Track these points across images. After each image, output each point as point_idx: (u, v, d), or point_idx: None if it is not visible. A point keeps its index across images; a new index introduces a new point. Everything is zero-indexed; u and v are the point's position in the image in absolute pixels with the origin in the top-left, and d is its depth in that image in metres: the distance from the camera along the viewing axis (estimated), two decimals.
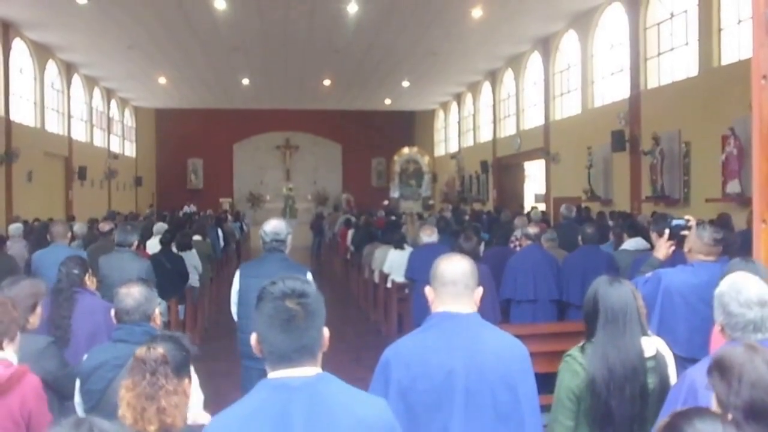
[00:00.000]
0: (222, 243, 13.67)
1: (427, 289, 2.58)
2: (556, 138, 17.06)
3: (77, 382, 2.92)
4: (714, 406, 1.84)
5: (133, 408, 2.02)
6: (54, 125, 18.90)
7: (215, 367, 6.88)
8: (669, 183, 11.59)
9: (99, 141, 23.22)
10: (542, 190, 18.79)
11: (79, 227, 8.97)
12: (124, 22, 14.70)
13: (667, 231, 4.33)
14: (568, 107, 16.93)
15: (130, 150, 27.56)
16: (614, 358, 2.67)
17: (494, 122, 21.95)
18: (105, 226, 8.73)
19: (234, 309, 4.63)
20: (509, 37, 16.95)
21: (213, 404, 2.87)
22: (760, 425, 1.77)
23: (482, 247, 8.06)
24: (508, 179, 21.33)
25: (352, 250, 13.51)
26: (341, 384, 1.83)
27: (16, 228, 8.95)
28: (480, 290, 2.54)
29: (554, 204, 16.29)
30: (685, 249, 4.15)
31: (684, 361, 3.31)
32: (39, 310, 3.36)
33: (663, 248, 4.32)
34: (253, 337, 1.86)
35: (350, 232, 14.29)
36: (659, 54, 12.79)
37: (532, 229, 6.82)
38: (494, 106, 21.94)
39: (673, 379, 2.72)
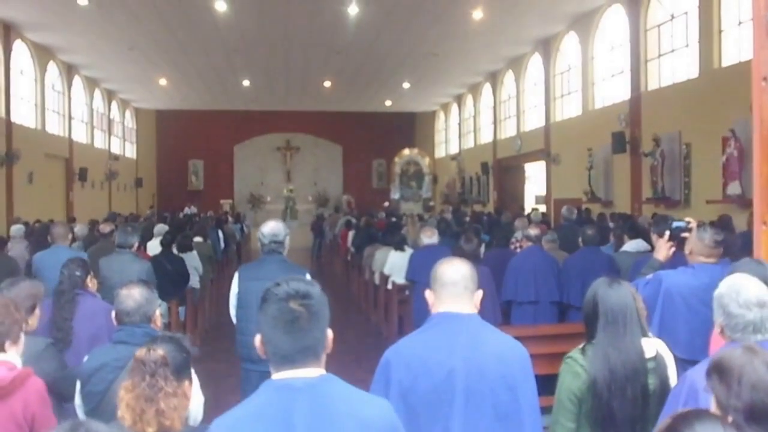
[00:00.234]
0: (222, 244, 13.67)
1: (427, 293, 2.59)
2: (556, 139, 17.06)
3: (78, 384, 2.92)
4: (713, 408, 1.84)
5: (132, 409, 2.02)
6: (55, 127, 18.91)
7: (216, 368, 6.89)
8: (669, 184, 11.59)
9: (99, 142, 23.24)
10: (543, 192, 18.79)
11: (79, 229, 8.98)
12: (125, 24, 14.71)
13: (667, 232, 4.33)
14: (568, 109, 16.93)
15: (130, 151, 27.58)
16: (615, 360, 2.67)
17: (495, 124, 21.96)
18: (105, 228, 8.72)
19: (233, 312, 4.62)
20: (510, 38, 16.96)
21: (213, 406, 2.87)
22: (761, 427, 1.76)
23: (483, 249, 8.06)
24: (509, 181, 21.33)
25: (352, 252, 13.51)
26: (345, 385, 1.84)
27: (17, 229, 8.97)
28: (480, 293, 2.55)
29: (555, 205, 16.29)
30: (686, 251, 4.15)
31: (684, 363, 3.30)
32: (38, 311, 3.36)
33: (663, 249, 4.31)
34: (257, 338, 1.87)
35: (351, 234, 14.30)
36: (660, 56, 12.80)
37: (533, 231, 6.82)
38: (495, 107, 21.95)
39: (673, 380, 2.72)
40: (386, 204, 24.35)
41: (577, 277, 6.02)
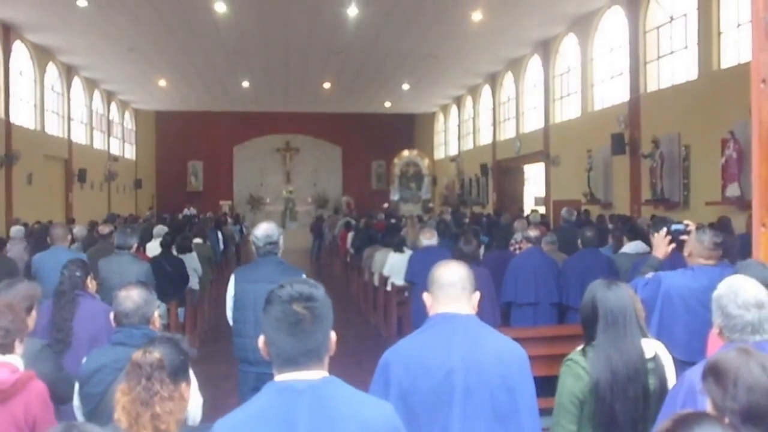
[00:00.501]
0: (222, 246, 13.67)
1: (425, 295, 2.59)
2: (555, 141, 17.07)
3: (76, 385, 2.92)
4: (709, 410, 1.84)
5: (128, 412, 2.02)
6: (54, 128, 18.91)
7: (215, 369, 6.88)
8: (669, 186, 11.59)
9: (99, 143, 23.23)
10: (542, 193, 18.80)
11: (78, 230, 8.97)
12: (125, 25, 14.72)
13: (665, 229, 4.34)
14: (568, 110, 16.94)
15: (130, 152, 27.58)
16: (617, 361, 2.68)
17: (494, 125, 21.97)
18: (105, 229, 8.73)
19: (230, 314, 4.62)
20: (509, 40, 16.97)
21: (212, 407, 2.87)
22: (758, 429, 1.77)
23: (482, 250, 8.06)
24: (508, 182, 21.34)
25: (351, 253, 13.52)
26: (347, 387, 1.85)
27: (17, 230, 8.97)
28: (477, 295, 2.56)
29: (554, 207, 16.30)
30: (685, 253, 4.15)
31: (683, 365, 3.29)
32: (34, 313, 3.35)
33: (662, 247, 4.31)
34: (261, 340, 1.88)
35: (350, 235, 14.31)
36: (659, 57, 12.81)
37: (533, 232, 6.82)
38: (494, 109, 21.96)
39: (671, 381, 2.73)
40: (385, 205, 24.36)
41: (577, 278, 6.01)
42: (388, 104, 26.00)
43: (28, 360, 2.91)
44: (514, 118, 20.41)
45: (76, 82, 20.52)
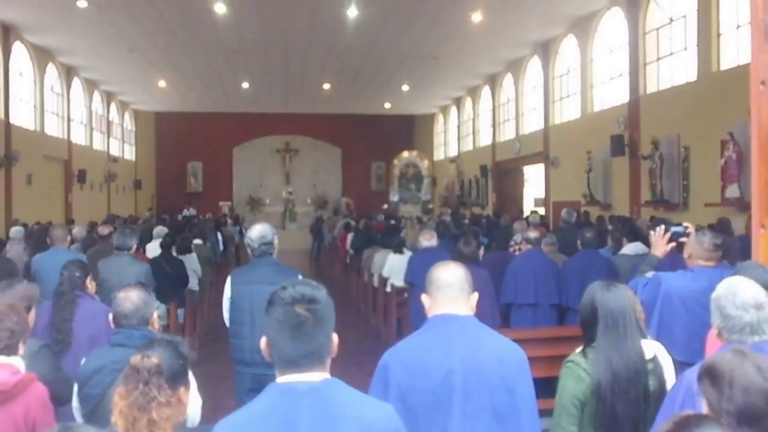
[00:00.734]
0: (221, 247, 13.67)
1: (423, 297, 2.59)
2: (555, 142, 17.07)
3: (75, 386, 2.91)
4: (705, 412, 1.84)
5: (125, 417, 2.01)
6: (54, 128, 18.91)
7: (214, 370, 6.88)
8: (668, 187, 11.60)
9: (98, 144, 23.23)
10: (542, 195, 18.80)
11: (78, 231, 8.95)
12: (125, 26, 14.72)
13: (662, 226, 4.34)
14: (567, 111, 16.95)
15: (129, 153, 27.58)
16: (618, 362, 2.68)
17: (494, 126, 21.98)
18: (104, 230, 8.71)
19: (226, 315, 4.62)
20: (509, 41, 16.98)
21: (211, 408, 2.87)
22: (754, 430, 1.77)
23: (482, 252, 8.05)
24: (508, 183, 21.34)
25: (351, 254, 13.51)
26: (348, 389, 1.85)
27: (17, 231, 8.97)
28: (476, 296, 2.56)
29: (554, 208, 16.30)
30: (685, 254, 4.15)
31: (683, 365, 3.29)
32: (33, 314, 3.35)
33: (661, 245, 4.31)
34: (263, 341, 1.88)
35: (350, 236, 14.31)
36: (658, 59, 12.82)
37: (532, 234, 6.82)
38: (494, 110, 21.97)
39: (670, 381, 2.73)
40: (385, 206, 24.36)
41: (577, 279, 6.01)
42: (387, 105, 26.00)
43: (27, 360, 2.91)
44: (513, 119, 20.41)
45: (76, 82, 20.53)
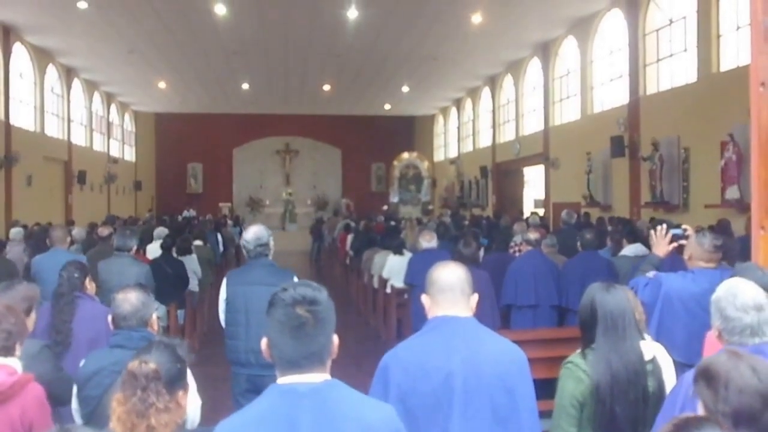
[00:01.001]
0: (221, 248, 13.67)
1: (423, 297, 2.59)
2: (555, 143, 17.08)
3: (74, 388, 2.91)
4: (701, 413, 1.84)
5: (123, 423, 2.00)
6: (54, 129, 18.92)
7: (214, 371, 6.86)
8: (668, 189, 11.60)
9: (99, 145, 23.24)
10: (541, 196, 18.80)
11: (78, 232, 8.96)
12: (125, 27, 14.73)
13: (664, 225, 4.34)
14: (567, 113, 16.96)
15: (129, 154, 27.59)
16: (617, 363, 2.68)
17: (494, 127, 21.98)
18: (104, 231, 8.70)
19: (222, 317, 4.64)
20: (509, 42, 16.99)
21: (211, 408, 2.87)
22: (750, 431, 1.77)
23: (482, 253, 8.05)
24: (508, 184, 21.35)
25: (351, 255, 13.51)
26: (349, 390, 1.85)
27: (16, 232, 8.97)
28: (476, 297, 2.55)
29: (554, 209, 16.30)
30: (685, 256, 4.15)
31: (683, 367, 3.30)
32: (33, 314, 3.35)
33: (662, 245, 4.30)
34: (264, 342, 1.88)
35: (350, 237, 14.31)
36: (658, 60, 12.82)
37: (533, 235, 6.82)
38: (494, 111, 21.97)
39: (670, 382, 2.73)
40: (385, 207, 24.37)
41: (577, 280, 6.01)
42: (387, 106, 26.01)
43: (27, 361, 2.90)
44: (513, 120, 20.42)
45: (76, 83, 20.53)
